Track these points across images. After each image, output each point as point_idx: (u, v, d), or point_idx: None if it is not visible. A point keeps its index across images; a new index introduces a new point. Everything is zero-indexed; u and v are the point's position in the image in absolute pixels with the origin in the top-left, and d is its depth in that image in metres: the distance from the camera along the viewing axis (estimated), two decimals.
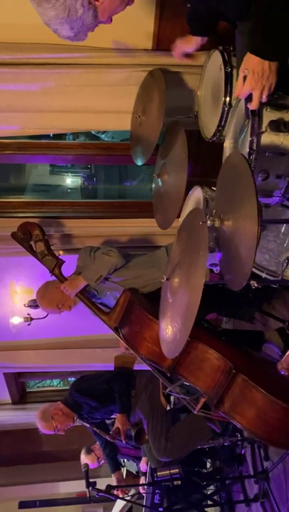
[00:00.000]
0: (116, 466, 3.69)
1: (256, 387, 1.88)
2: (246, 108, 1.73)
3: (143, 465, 3.87)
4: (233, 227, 1.64)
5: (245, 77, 1.58)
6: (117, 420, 3.31)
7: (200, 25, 2.11)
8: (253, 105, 1.64)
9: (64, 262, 2.87)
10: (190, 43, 2.23)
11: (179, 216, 2.45)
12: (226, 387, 1.94)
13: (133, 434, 3.36)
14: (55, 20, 1.37)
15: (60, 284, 2.83)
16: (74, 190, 5.40)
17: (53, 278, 2.89)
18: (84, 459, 3.80)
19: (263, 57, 1.51)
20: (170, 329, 1.84)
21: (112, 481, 3.62)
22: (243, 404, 1.91)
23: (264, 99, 1.62)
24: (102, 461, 3.77)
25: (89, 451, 3.80)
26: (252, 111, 1.71)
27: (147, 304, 2.43)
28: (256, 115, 1.73)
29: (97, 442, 3.68)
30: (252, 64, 1.54)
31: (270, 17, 1.45)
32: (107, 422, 3.68)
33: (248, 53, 1.54)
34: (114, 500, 3.85)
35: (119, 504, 3.94)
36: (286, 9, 1.41)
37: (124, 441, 3.43)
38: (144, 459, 3.85)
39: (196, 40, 2.20)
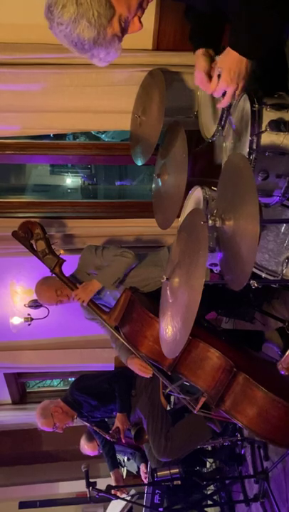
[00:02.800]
0: (115, 465, 3.70)
1: (257, 385, 1.89)
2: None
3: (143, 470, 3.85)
4: (234, 227, 1.64)
5: (219, 76, 1.59)
6: (117, 419, 3.31)
7: (203, 38, 1.85)
8: (224, 103, 1.66)
9: (65, 260, 2.88)
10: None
11: (179, 216, 2.46)
12: (226, 385, 1.95)
13: (133, 434, 3.36)
14: (72, 21, 1.33)
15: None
16: (74, 190, 5.41)
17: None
18: (84, 445, 3.79)
19: (244, 55, 1.50)
20: (170, 329, 1.84)
21: (111, 480, 3.63)
22: (244, 403, 1.91)
23: (236, 97, 1.64)
24: (101, 450, 3.77)
25: (91, 439, 3.78)
26: (252, 111, 1.71)
27: (148, 302, 2.43)
28: (255, 115, 1.74)
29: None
30: (229, 61, 1.54)
31: (257, 16, 1.43)
32: (107, 420, 3.68)
33: (228, 49, 1.54)
34: None
35: (118, 504, 3.94)
36: (272, 9, 1.41)
37: (123, 441, 3.43)
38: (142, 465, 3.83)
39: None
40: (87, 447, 3.77)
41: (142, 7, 1.44)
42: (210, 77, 1.70)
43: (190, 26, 1.84)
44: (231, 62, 1.54)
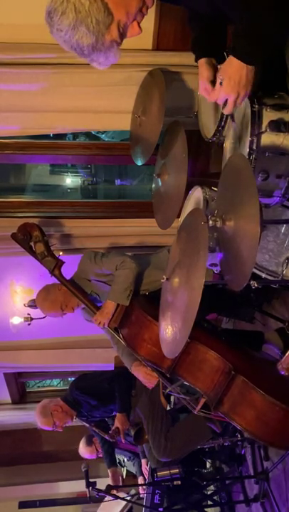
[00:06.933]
0: (113, 462, 3.71)
1: (255, 388, 1.88)
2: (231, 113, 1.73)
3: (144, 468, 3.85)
4: (235, 227, 1.64)
5: (221, 83, 1.58)
6: (117, 420, 3.31)
7: (206, 47, 1.82)
8: (227, 110, 1.65)
9: (64, 262, 2.86)
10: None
11: (179, 216, 2.45)
12: (225, 388, 1.94)
13: (133, 434, 3.36)
14: (71, 28, 1.34)
15: (61, 286, 2.82)
16: (74, 190, 5.41)
17: (53, 279, 2.88)
18: (83, 448, 3.80)
19: (243, 61, 1.50)
20: (170, 329, 1.84)
21: (108, 476, 3.64)
22: (242, 406, 1.91)
23: (238, 105, 1.63)
24: (100, 455, 3.77)
25: (90, 443, 3.79)
26: (252, 111, 1.71)
27: (147, 305, 2.43)
28: (255, 116, 1.73)
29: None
30: (230, 69, 1.54)
31: (257, 22, 1.43)
32: (107, 420, 3.68)
33: (230, 57, 1.54)
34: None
35: (116, 505, 3.93)
36: (274, 16, 1.40)
37: (124, 441, 3.43)
38: (143, 461, 3.84)
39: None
40: (85, 451, 3.77)
41: (141, 12, 1.45)
42: (214, 85, 1.69)
43: (193, 35, 1.83)
44: (232, 70, 1.53)
